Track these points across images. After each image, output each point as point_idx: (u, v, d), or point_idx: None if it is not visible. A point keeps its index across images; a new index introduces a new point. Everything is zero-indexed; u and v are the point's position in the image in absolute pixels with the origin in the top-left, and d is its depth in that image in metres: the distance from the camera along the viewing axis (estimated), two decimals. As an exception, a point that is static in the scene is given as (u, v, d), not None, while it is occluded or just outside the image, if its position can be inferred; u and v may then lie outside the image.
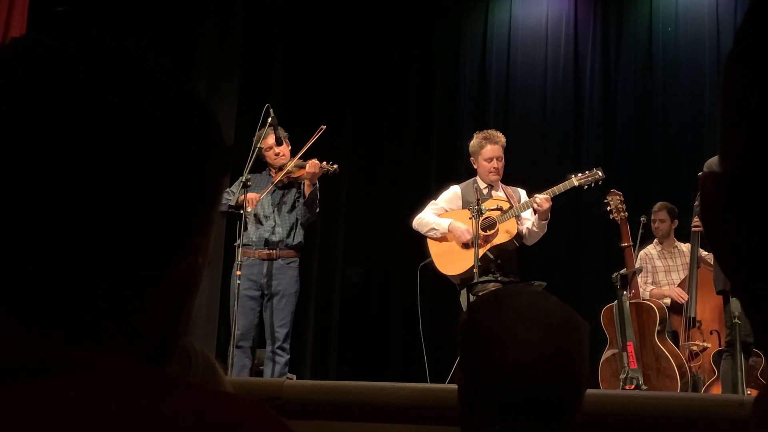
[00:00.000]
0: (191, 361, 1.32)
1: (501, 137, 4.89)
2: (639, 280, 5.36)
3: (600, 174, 4.79)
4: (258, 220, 4.98)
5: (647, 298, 5.49)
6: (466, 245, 4.70)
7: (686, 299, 5.27)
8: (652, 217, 5.74)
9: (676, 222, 5.68)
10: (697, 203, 4.57)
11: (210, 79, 6.43)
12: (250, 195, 4.89)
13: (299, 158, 4.97)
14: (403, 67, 7.44)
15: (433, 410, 2.80)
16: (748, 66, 0.42)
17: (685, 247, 5.58)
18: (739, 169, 0.43)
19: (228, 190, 4.83)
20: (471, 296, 4.38)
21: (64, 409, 0.51)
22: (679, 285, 5.49)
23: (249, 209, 4.88)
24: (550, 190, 4.68)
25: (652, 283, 5.64)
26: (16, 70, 0.58)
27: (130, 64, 0.61)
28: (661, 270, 5.69)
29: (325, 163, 4.90)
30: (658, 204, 5.76)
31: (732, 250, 0.44)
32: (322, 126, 4.94)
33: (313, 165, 4.86)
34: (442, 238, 4.83)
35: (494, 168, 4.82)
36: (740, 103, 0.42)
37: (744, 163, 0.42)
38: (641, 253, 5.71)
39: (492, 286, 4.47)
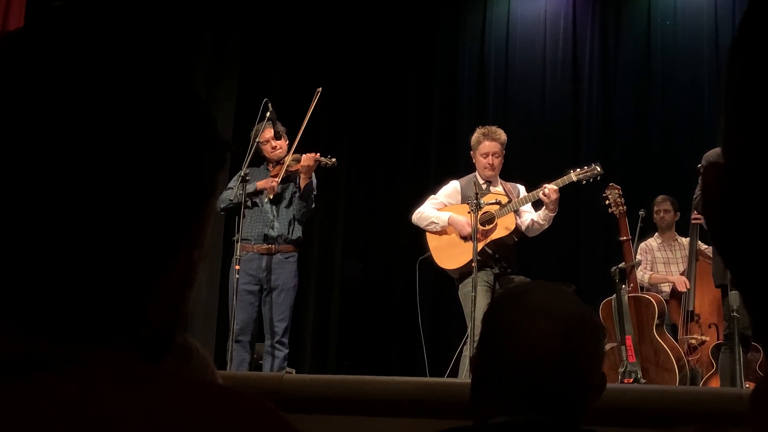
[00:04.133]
0: (192, 356, 1.32)
1: (501, 134, 4.88)
2: (638, 268, 5.36)
3: (599, 169, 4.77)
4: (257, 215, 4.97)
5: (646, 282, 5.50)
6: (465, 238, 4.70)
7: (688, 288, 5.29)
8: (656, 208, 5.74)
9: (678, 214, 5.70)
10: (695, 196, 4.57)
11: (210, 74, 6.42)
12: (263, 183, 4.92)
13: (301, 135, 4.96)
14: (402, 62, 7.43)
15: (432, 404, 2.80)
16: (751, 56, 0.42)
17: (686, 240, 5.59)
18: (741, 159, 0.42)
19: (229, 186, 4.83)
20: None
21: (64, 404, 0.51)
22: (679, 278, 5.51)
23: (271, 196, 4.92)
24: (549, 184, 4.67)
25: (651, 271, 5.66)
26: (12, 64, 0.58)
27: (126, 60, 0.60)
28: (661, 261, 5.69)
29: (320, 155, 4.89)
30: (661, 196, 5.78)
31: (733, 241, 0.44)
32: (319, 88, 4.95)
33: (308, 158, 4.85)
34: (442, 232, 4.84)
35: (489, 164, 4.83)
36: (742, 93, 0.42)
37: (745, 153, 0.42)
38: (642, 244, 5.72)
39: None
